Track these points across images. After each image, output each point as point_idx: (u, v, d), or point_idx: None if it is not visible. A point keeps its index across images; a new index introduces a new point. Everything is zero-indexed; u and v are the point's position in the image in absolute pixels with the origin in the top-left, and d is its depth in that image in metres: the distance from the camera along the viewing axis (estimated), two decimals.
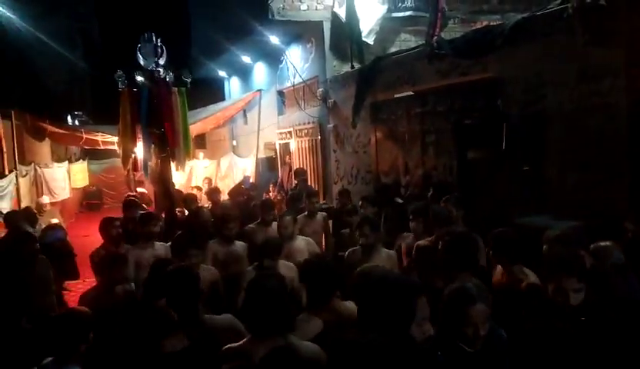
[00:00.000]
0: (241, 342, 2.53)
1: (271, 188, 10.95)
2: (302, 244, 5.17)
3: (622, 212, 4.46)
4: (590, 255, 3.30)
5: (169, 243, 4.80)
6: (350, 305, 2.86)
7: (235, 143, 15.51)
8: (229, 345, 2.53)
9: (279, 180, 11.18)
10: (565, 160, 4.96)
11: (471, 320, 2.31)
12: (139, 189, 11.28)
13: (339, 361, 1.75)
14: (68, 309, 3.02)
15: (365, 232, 4.41)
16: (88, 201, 19.06)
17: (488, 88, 5.74)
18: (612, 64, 4.61)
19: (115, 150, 11.42)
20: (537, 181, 5.10)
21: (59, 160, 15.05)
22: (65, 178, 14.65)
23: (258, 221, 5.93)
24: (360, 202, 6.26)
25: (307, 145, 11.11)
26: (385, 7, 9.44)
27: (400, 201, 6.71)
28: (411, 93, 7.27)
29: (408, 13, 9.54)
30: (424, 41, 7.50)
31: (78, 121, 21.99)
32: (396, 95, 7.60)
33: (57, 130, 12.39)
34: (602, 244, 3.41)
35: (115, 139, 10.22)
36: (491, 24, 6.82)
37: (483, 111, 5.79)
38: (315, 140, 10.68)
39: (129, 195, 9.51)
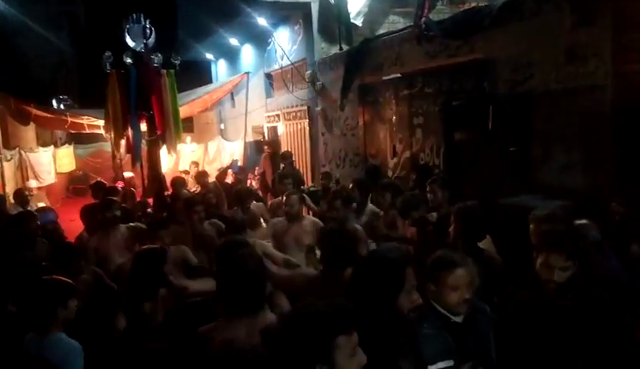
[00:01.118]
0: (216, 322, 2.52)
1: (250, 176, 10.90)
2: (309, 224, 5.01)
3: (607, 192, 4.51)
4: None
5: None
6: None
7: (222, 126, 15.42)
8: (203, 327, 2.52)
9: (258, 171, 10.98)
10: (552, 140, 4.99)
11: (453, 284, 2.34)
12: (126, 173, 11.21)
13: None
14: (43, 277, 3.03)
15: (336, 206, 4.46)
16: (75, 185, 18.85)
17: (476, 69, 5.74)
18: (599, 45, 4.62)
19: (101, 134, 11.31)
20: (523, 161, 5.13)
21: (45, 144, 14.87)
22: (51, 163, 14.50)
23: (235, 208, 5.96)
24: (351, 185, 6.26)
25: (295, 128, 11.07)
26: None
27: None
28: (399, 75, 7.25)
29: None
30: (412, 23, 7.46)
31: (64, 105, 21.67)
32: (384, 77, 7.58)
33: (41, 113, 12.21)
34: (580, 222, 3.44)
35: (102, 123, 10.11)
36: (480, 5, 6.78)
37: (471, 93, 5.79)
38: (304, 123, 10.65)
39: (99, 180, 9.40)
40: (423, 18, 6.73)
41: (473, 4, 8.25)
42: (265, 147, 11.15)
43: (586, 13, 4.67)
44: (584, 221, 3.58)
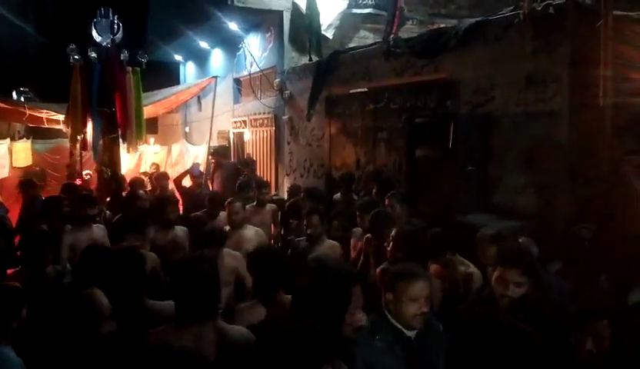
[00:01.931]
0: (165, 326, 2.45)
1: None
2: (251, 233, 5.10)
3: (561, 215, 4.64)
4: None
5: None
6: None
7: (187, 129, 15.20)
8: (152, 330, 2.44)
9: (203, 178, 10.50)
10: (509, 162, 5.11)
11: (413, 294, 2.36)
12: (85, 171, 10.90)
13: (266, 346, 1.73)
14: None
15: (314, 222, 4.44)
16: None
17: (440, 88, 5.85)
18: (557, 72, 4.77)
19: (61, 129, 10.98)
20: (481, 181, 5.23)
21: (0, 137, 14.35)
22: (6, 156, 13.97)
23: (204, 210, 5.86)
24: (302, 195, 6.26)
25: (261, 136, 11.02)
26: (346, 2, 9.45)
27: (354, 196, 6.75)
28: (366, 89, 7.32)
29: (367, 10, 9.59)
30: (381, 39, 7.56)
31: (24, 97, 21.02)
32: (351, 91, 7.64)
33: None
34: (521, 239, 3.55)
35: (62, 117, 9.82)
36: (447, 26, 6.93)
37: (434, 111, 5.89)
38: (270, 130, 10.61)
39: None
40: (392, 35, 6.83)
41: (442, 25, 8.44)
42: (209, 157, 10.30)
43: (547, 40, 4.83)
44: (524, 238, 3.71)
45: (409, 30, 8.61)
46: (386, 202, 4.88)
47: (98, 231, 4.90)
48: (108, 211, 7.22)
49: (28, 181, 8.08)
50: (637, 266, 3.74)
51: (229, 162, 8.75)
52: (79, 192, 6.69)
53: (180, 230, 5.12)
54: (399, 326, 2.38)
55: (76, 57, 8.15)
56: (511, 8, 5.26)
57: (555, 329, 2.57)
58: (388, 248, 3.54)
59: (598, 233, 4.19)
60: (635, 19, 4.67)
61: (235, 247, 4.67)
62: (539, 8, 4.83)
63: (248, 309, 2.93)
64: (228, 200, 5.32)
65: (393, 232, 3.62)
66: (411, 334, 2.40)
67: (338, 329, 2.21)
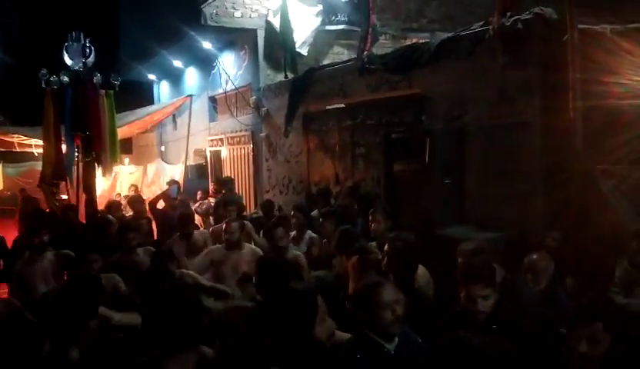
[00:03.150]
0: (149, 356, 2.44)
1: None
2: (248, 253, 4.90)
3: (537, 224, 4.74)
4: (501, 267, 3.46)
5: None
6: None
7: (163, 149, 15.10)
8: (139, 360, 2.43)
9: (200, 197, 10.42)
10: (484, 174, 5.21)
11: (384, 301, 2.39)
12: (62, 196, 10.70)
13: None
14: None
15: (279, 234, 4.47)
16: (2, 206, 17.85)
17: (415, 103, 5.95)
18: (528, 84, 4.91)
19: (33, 153, 10.82)
20: (458, 193, 5.32)
21: None
22: None
23: (178, 234, 5.81)
24: (292, 212, 6.25)
25: (239, 153, 11.00)
26: (319, 19, 9.56)
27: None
28: (343, 105, 7.39)
29: (341, 26, 9.70)
30: (356, 55, 7.66)
31: None
32: (328, 107, 7.70)
33: None
34: (535, 256, 3.59)
35: (33, 141, 9.69)
36: (420, 41, 7.07)
37: (409, 126, 5.98)
38: (247, 148, 10.61)
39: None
40: (365, 52, 6.93)
41: (415, 40, 8.60)
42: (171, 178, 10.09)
43: (517, 54, 4.97)
44: (538, 255, 3.73)
45: (382, 45, 8.75)
46: (370, 218, 4.93)
47: (50, 258, 4.80)
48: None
49: None
50: (607, 268, 3.86)
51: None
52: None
53: (145, 251, 5.04)
54: (379, 340, 2.42)
55: (51, 80, 8.06)
56: (482, 23, 5.40)
57: (532, 338, 2.62)
58: (384, 263, 3.55)
59: (567, 240, 4.33)
60: (599, 32, 4.83)
61: (233, 268, 4.64)
62: (508, 24, 4.97)
63: None
64: (226, 220, 5.23)
65: (386, 248, 3.63)
66: (391, 347, 2.44)
67: (310, 336, 2.25)
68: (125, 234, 4.98)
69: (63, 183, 9.18)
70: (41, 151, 9.54)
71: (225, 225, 5.03)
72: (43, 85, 8.14)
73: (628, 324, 3.13)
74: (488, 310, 2.66)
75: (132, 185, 12.09)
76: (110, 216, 7.03)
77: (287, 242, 4.70)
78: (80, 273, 3.58)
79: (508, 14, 5.01)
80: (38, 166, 12.75)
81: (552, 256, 4.01)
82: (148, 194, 10.63)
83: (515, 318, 2.67)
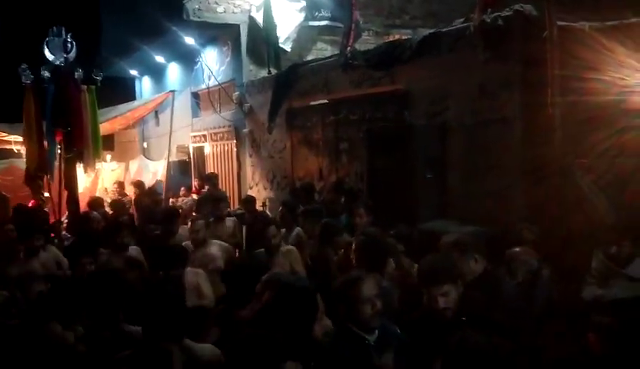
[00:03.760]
0: (133, 350, 2.46)
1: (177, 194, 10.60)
2: (216, 249, 4.99)
3: (517, 218, 4.81)
4: (483, 259, 3.51)
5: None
6: None
7: (145, 145, 14.96)
8: (121, 353, 2.44)
9: (183, 192, 10.43)
10: (466, 169, 5.28)
11: (364, 296, 2.44)
12: (47, 194, 10.56)
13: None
14: None
15: (272, 233, 4.48)
16: None
17: (397, 99, 5.99)
18: (509, 80, 4.97)
19: (12, 149, 10.64)
20: (440, 188, 5.38)
21: None
22: None
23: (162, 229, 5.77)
24: (280, 208, 6.25)
25: (222, 149, 10.97)
26: (303, 15, 9.56)
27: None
28: (326, 101, 7.41)
29: (324, 22, 9.72)
30: (339, 51, 7.68)
31: None
32: (311, 103, 7.72)
33: None
34: (517, 249, 3.65)
35: (12, 138, 9.53)
36: (403, 38, 7.11)
37: (392, 121, 6.02)
38: (231, 144, 10.57)
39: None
40: (348, 48, 6.95)
41: (397, 37, 8.65)
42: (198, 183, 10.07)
43: (497, 51, 5.03)
44: (520, 249, 3.81)
45: (365, 41, 8.78)
46: (353, 213, 4.96)
47: (46, 257, 4.77)
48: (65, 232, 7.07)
49: None
50: (584, 260, 3.94)
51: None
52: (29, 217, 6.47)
53: (133, 250, 5.02)
54: (360, 333, 2.46)
55: (31, 76, 7.94)
56: (463, 20, 5.46)
57: (502, 330, 2.66)
58: (352, 259, 3.58)
59: (547, 233, 4.40)
60: (578, 29, 4.91)
61: (201, 265, 4.62)
62: (489, 20, 5.03)
63: None
64: (190, 218, 5.26)
65: (354, 243, 3.67)
66: (371, 338, 2.49)
67: (310, 336, 2.27)
68: (118, 232, 4.94)
69: (45, 179, 9.07)
70: (20, 148, 9.40)
71: (190, 223, 5.06)
72: (24, 81, 8.01)
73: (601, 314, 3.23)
74: (451, 306, 2.69)
75: (116, 182, 11.95)
76: (95, 212, 6.99)
77: (279, 240, 4.68)
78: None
79: (489, 10, 5.06)
80: (18, 163, 12.56)
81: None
82: (130, 192, 10.51)
83: (486, 310, 2.71)
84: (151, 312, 2.43)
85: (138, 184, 9.68)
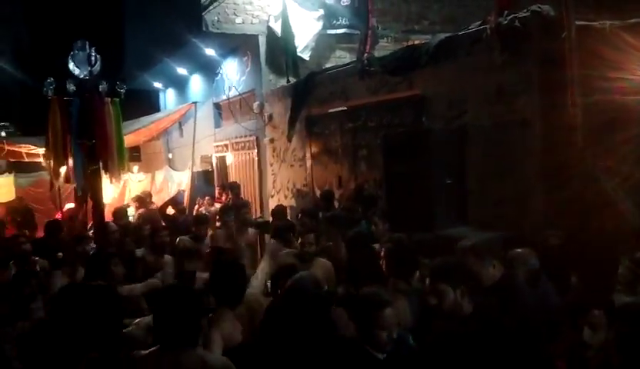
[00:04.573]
0: (149, 351, 2.47)
1: (199, 202, 10.69)
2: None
3: (538, 223, 4.69)
4: (502, 265, 3.43)
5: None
6: None
7: (170, 156, 15.18)
8: (136, 351, 2.46)
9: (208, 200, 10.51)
10: (485, 173, 5.17)
11: (382, 324, 2.38)
12: (67, 205, 10.80)
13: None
14: None
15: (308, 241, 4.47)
16: (13, 216, 18.02)
17: (415, 104, 5.94)
18: (527, 82, 4.87)
19: (40, 162, 10.89)
20: (459, 193, 5.29)
21: None
22: None
23: (191, 235, 5.87)
24: (299, 215, 6.25)
25: (244, 158, 11.04)
26: (321, 23, 9.59)
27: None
28: (344, 108, 7.39)
29: (342, 30, 9.73)
30: (356, 58, 7.66)
31: (5, 132, 20.89)
32: (330, 110, 7.71)
33: None
34: (518, 250, 3.57)
35: (42, 151, 9.74)
36: (420, 43, 7.05)
37: (410, 127, 5.97)
38: (252, 153, 10.64)
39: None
40: (365, 54, 6.93)
41: (417, 42, 8.59)
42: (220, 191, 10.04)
43: (514, 52, 4.93)
44: (522, 250, 3.72)
45: (384, 47, 8.75)
46: (370, 220, 4.92)
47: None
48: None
49: None
50: (610, 266, 3.81)
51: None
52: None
53: (167, 258, 5.12)
54: (371, 350, 2.41)
55: (52, 88, 8.13)
56: (479, 22, 5.38)
57: (517, 338, 2.58)
58: (383, 266, 3.54)
59: (569, 238, 4.28)
60: (599, 28, 4.79)
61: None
62: (505, 22, 4.94)
63: None
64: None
65: (382, 250, 3.64)
66: (382, 356, 2.45)
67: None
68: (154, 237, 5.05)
69: (70, 190, 9.27)
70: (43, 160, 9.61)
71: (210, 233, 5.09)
72: (48, 94, 8.22)
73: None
74: (445, 306, 2.64)
75: (135, 197, 12.15)
76: (112, 223, 7.12)
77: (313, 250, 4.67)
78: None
79: (505, 12, 4.98)
80: (47, 175, 12.89)
81: (555, 254, 3.98)
82: (156, 201, 10.67)
83: (501, 316, 2.64)
84: (165, 317, 2.44)
85: (138, 199, 9.87)
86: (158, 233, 5.14)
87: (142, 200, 9.02)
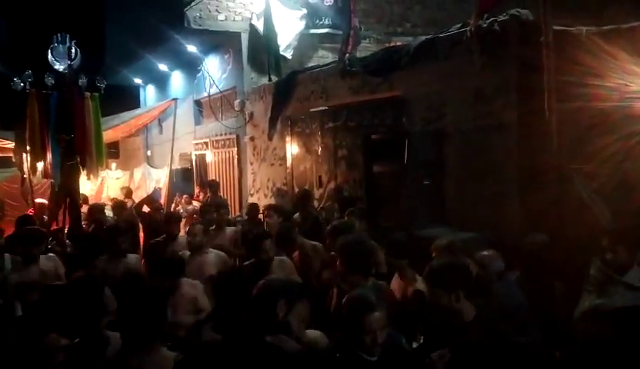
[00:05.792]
0: (116, 353, 2.43)
1: (177, 199, 10.61)
2: (213, 257, 4.92)
3: (514, 225, 4.75)
4: (475, 264, 3.47)
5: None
6: None
7: (149, 153, 15.02)
8: (105, 358, 2.42)
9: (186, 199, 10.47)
10: (463, 175, 5.23)
11: (369, 328, 2.37)
12: (38, 200, 10.59)
13: None
14: None
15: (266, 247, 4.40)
16: None
17: (395, 105, 5.97)
18: (505, 86, 4.93)
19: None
20: (437, 194, 5.33)
21: None
22: None
23: (163, 236, 5.74)
24: (265, 211, 6.18)
25: (224, 157, 10.98)
26: (303, 22, 9.58)
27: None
28: (325, 108, 7.40)
29: (325, 30, 9.74)
30: (338, 58, 7.68)
31: None
32: (311, 109, 7.71)
33: None
34: (485, 253, 3.60)
35: (12, 145, 9.58)
36: (401, 44, 7.09)
37: (390, 128, 5.99)
38: (232, 151, 10.58)
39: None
40: (347, 55, 6.94)
41: (399, 43, 8.63)
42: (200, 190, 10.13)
43: (494, 55, 4.99)
44: (489, 252, 3.77)
45: (366, 48, 8.77)
46: (346, 219, 4.91)
47: (47, 262, 4.69)
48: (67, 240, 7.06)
49: None
50: (584, 269, 3.86)
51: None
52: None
53: (133, 258, 4.99)
54: (362, 355, 2.39)
55: (29, 80, 7.99)
56: (459, 25, 5.43)
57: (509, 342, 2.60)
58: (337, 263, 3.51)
59: (551, 242, 4.33)
60: (575, 34, 4.87)
61: (198, 272, 4.57)
62: (485, 25, 5.00)
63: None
64: (191, 223, 5.23)
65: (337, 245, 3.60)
66: (373, 358, 2.42)
67: None
68: (115, 237, 4.90)
69: (45, 185, 9.11)
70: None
71: (188, 228, 5.01)
72: (27, 88, 8.06)
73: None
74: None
75: (124, 188, 11.98)
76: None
77: (273, 254, 4.61)
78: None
79: (485, 16, 5.04)
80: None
81: (542, 257, 4.00)
82: (134, 198, 10.55)
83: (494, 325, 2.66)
84: (128, 317, 2.41)
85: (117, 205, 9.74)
86: (117, 239, 4.90)
87: (122, 206, 8.84)
